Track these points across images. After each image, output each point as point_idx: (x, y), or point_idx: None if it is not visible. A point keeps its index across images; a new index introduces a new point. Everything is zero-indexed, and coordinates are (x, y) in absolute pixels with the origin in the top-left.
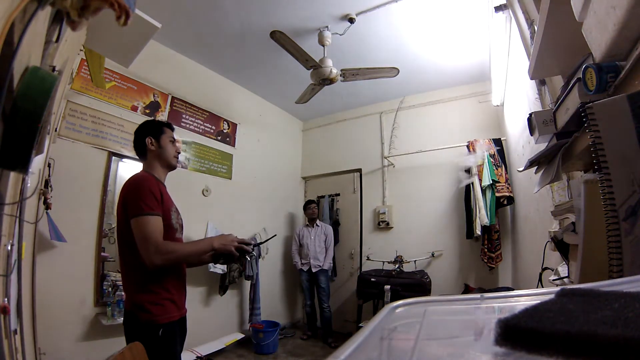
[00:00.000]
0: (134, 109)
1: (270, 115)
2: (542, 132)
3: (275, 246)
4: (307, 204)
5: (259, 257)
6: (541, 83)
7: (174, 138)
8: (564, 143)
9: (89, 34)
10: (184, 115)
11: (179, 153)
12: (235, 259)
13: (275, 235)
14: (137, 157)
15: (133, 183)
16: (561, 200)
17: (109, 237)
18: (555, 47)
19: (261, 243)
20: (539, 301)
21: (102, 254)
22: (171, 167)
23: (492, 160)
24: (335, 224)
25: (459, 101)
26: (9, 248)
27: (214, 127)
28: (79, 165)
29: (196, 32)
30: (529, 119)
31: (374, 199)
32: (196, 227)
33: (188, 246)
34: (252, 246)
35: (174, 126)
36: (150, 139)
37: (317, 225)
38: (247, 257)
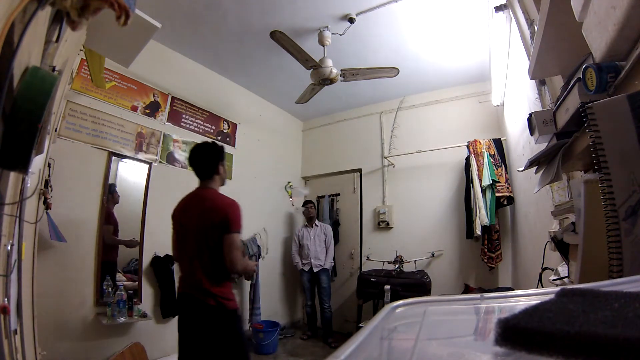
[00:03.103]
0: (134, 109)
1: (270, 115)
2: (542, 132)
3: (275, 246)
4: (305, 204)
5: (260, 257)
6: (541, 83)
7: None
8: (564, 143)
9: (89, 34)
10: (184, 115)
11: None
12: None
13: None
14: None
15: (234, 204)
16: (561, 200)
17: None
18: (555, 47)
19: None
20: (539, 301)
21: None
22: (223, 185)
23: (492, 160)
24: (335, 224)
25: (459, 101)
26: (9, 248)
27: (214, 127)
28: (79, 165)
29: (196, 32)
30: (529, 119)
31: (374, 199)
32: None
33: (251, 264)
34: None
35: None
36: (221, 165)
37: (316, 225)
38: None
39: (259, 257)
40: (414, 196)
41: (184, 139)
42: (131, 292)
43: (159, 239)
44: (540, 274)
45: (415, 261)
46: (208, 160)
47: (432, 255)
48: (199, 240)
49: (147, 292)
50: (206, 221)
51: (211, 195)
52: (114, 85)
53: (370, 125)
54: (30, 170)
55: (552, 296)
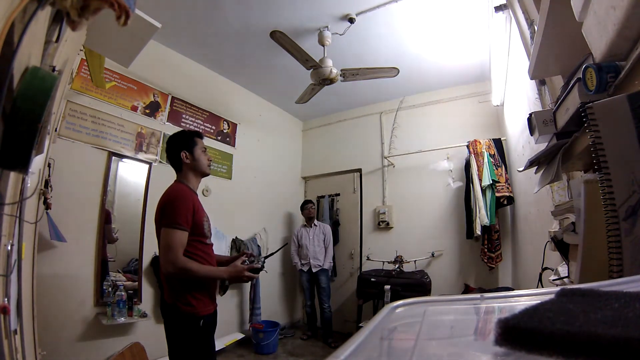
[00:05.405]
0: (134, 109)
1: (270, 115)
2: (542, 132)
3: (275, 247)
4: (305, 204)
5: (262, 269)
6: (541, 83)
7: (205, 147)
8: (564, 143)
9: (89, 34)
10: (184, 115)
11: (210, 161)
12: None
13: (286, 244)
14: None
15: (171, 195)
16: (561, 200)
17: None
18: (555, 47)
19: (271, 254)
20: (539, 301)
21: (109, 257)
22: (205, 175)
23: (492, 160)
24: (335, 224)
25: (459, 101)
26: (9, 248)
27: (214, 127)
28: (79, 165)
29: (196, 32)
30: (529, 119)
31: (374, 199)
32: None
33: (202, 270)
34: (261, 264)
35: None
36: (184, 153)
37: (315, 225)
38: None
39: (262, 268)
40: (414, 196)
41: None
42: (131, 292)
43: None
44: (540, 274)
45: (415, 261)
46: (169, 152)
47: (432, 255)
48: (159, 241)
49: (147, 292)
50: (157, 219)
51: (168, 189)
52: (114, 85)
53: (370, 125)
54: (30, 170)
55: (552, 296)
